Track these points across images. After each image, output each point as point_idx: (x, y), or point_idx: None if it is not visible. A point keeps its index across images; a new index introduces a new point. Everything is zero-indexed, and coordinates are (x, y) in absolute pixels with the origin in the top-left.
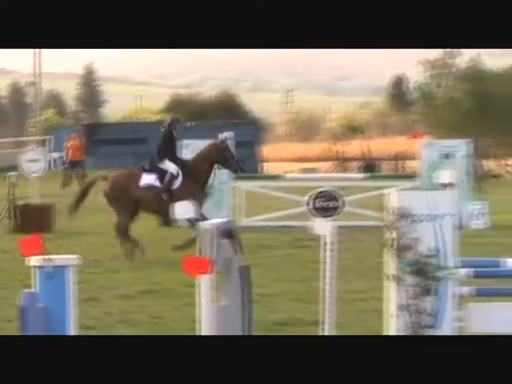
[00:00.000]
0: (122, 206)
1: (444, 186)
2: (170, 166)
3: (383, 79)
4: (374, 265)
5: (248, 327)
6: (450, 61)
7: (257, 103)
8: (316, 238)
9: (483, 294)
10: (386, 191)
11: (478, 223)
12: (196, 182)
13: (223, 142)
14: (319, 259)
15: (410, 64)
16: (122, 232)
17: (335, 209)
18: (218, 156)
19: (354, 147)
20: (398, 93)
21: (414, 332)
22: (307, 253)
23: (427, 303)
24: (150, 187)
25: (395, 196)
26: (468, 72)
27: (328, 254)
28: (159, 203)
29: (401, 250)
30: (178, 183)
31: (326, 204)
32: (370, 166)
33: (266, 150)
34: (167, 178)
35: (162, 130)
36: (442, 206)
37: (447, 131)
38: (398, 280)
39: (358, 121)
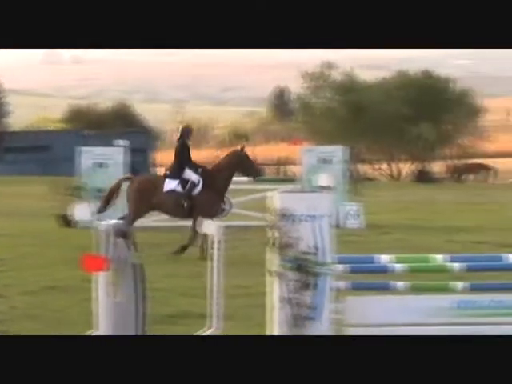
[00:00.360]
0: (141, 207)
1: (322, 188)
2: (191, 175)
3: (266, 90)
4: (258, 261)
5: (142, 321)
6: (326, 73)
7: (150, 113)
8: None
9: (358, 288)
10: (268, 194)
11: (353, 223)
12: (215, 189)
13: (243, 150)
14: (207, 257)
15: (291, 76)
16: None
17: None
18: (239, 164)
19: None
20: (280, 103)
21: (295, 324)
22: (197, 251)
23: (307, 297)
24: (172, 192)
25: (277, 198)
26: (343, 84)
27: (215, 251)
28: (179, 208)
29: (282, 247)
30: (197, 190)
31: None
32: None
33: (159, 157)
34: (188, 185)
35: (177, 141)
36: (320, 207)
37: (324, 138)
38: (280, 275)
39: (243, 129)
